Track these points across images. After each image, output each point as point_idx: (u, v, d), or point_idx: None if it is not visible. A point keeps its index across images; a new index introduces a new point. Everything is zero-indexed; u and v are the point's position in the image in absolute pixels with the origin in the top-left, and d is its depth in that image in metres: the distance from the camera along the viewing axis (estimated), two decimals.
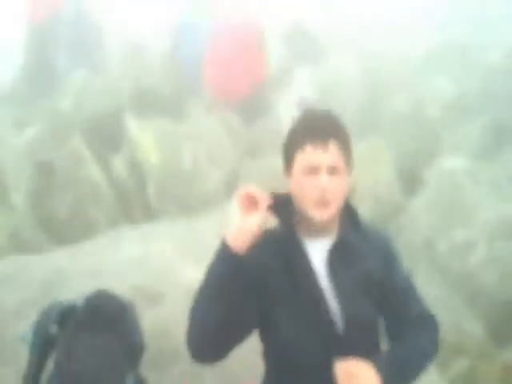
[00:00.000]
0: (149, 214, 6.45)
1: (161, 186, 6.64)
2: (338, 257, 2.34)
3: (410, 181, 7.06)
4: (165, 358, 3.64)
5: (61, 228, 5.98)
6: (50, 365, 2.69)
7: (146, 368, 3.15)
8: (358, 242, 2.39)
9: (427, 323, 2.49)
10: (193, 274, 4.36)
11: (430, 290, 4.32)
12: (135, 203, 6.58)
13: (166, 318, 3.93)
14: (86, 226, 5.81)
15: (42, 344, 2.81)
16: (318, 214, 2.28)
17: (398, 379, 2.30)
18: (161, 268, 4.44)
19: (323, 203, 2.27)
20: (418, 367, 2.42)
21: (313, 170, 2.27)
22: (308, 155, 2.27)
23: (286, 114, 8.38)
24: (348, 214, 2.43)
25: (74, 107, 7.80)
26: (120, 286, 3.83)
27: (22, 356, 2.89)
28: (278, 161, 6.72)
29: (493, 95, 8.46)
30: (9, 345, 3.61)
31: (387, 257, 2.46)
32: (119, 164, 6.75)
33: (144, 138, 6.88)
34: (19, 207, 6.05)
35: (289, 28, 10.14)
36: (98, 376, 2.74)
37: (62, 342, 2.78)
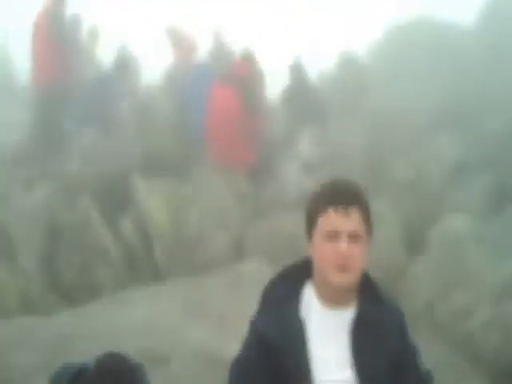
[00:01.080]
0: (156, 275, 6.46)
1: (168, 247, 6.68)
2: (362, 330, 2.34)
3: (413, 243, 7.07)
4: None
5: (69, 290, 5.98)
6: None
7: None
8: (379, 315, 2.39)
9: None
10: (199, 334, 4.42)
11: (433, 354, 4.34)
12: (142, 265, 6.60)
13: (174, 380, 3.93)
14: (94, 288, 5.83)
15: None
16: (338, 279, 2.30)
17: None
18: (168, 330, 4.47)
19: (343, 269, 2.28)
20: None
21: (334, 236, 2.29)
22: (330, 220, 2.31)
23: (290, 175, 8.49)
24: (368, 284, 2.44)
25: (82, 169, 7.88)
26: (127, 348, 3.88)
27: None
28: (284, 222, 6.82)
29: (494, 156, 8.55)
30: None
31: (402, 327, 2.46)
32: (127, 225, 6.81)
33: (151, 199, 6.95)
34: (28, 269, 6.08)
35: (292, 89, 10.25)
36: None
37: None
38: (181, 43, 12.72)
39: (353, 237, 2.29)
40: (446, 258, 6.28)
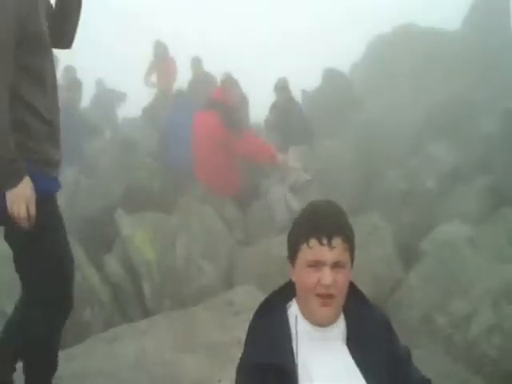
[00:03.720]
0: (145, 311, 6.37)
1: (155, 282, 6.59)
2: (357, 342, 2.38)
3: (408, 254, 7.02)
4: None
5: None
6: None
7: None
8: (367, 319, 2.43)
9: None
10: (191, 367, 4.31)
11: (434, 365, 4.26)
12: (130, 302, 6.51)
13: None
14: (82, 329, 5.73)
15: None
16: (321, 313, 2.33)
17: None
18: (159, 365, 4.37)
19: (326, 303, 2.30)
20: None
21: (317, 264, 2.29)
22: (312, 250, 2.30)
23: (278, 197, 8.42)
24: (352, 291, 2.46)
25: (65, 210, 7.78)
26: None
27: None
28: (273, 246, 6.74)
29: (488, 160, 8.50)
30: None
31: (389, 329, 2.50)
32: (113, 264, 6.72)
33: (137, 235, 6.87)
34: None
35: (278, 108, 10.23)
36: None
37: None
38: (163, 72, 12.77)
39: (336, 264, 2.29)
40: (443, 267, 6.21)
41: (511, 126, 8.08)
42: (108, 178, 9.21)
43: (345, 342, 2.38)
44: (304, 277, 2.32)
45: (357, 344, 2.37)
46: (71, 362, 4.41)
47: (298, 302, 2.44)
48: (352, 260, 2.38)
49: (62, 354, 4.06)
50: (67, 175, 8.32)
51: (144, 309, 6.42)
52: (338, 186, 8.57)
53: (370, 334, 2.40)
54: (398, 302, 6.16)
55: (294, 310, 2.45)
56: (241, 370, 2.44)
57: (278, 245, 6.79)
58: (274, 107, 10.42)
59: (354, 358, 2.35)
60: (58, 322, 3.69)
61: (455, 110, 10.47)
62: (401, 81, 13.05)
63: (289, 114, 9.90)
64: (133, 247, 6.71)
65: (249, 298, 5.32)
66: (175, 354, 4.52)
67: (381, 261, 6.63)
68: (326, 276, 2.26)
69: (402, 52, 13.82)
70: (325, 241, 2.27)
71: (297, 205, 8.18)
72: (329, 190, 8.26)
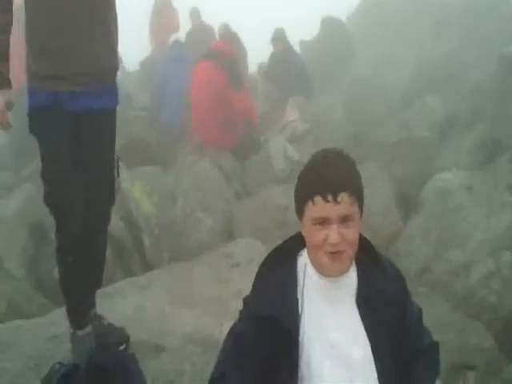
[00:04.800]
0: (145, 265, 6.39)
1: (155, 235, 6.59)
2: (366, 303, 2.33)
3: (407, 204, 7.00)
4: None
5: (57, 290, 5.92)
6: None
7: None
8: (380, 284, 2.37)
9: (434, 354, 2.55)
10: (191, 320, 4.33)
11: (433, 313, 4.27)
12: (130, 255, 6.51)
13: (167, 369, 3.85)
14: None
15: None
16: (330, 268, 2.27)
17: None
18: (157, 319, 4.39)
19: (335, 258, 2.24)
20: None
21: (323, 221, 2.22)
22: (318, 207, 2.22)
23: (277, 148, 8.38)
24: (366, 249, 2.42)
25: None
26: None
27: None
28: (272, 196, 6.72)
29: (481, 109, 8.44)
30: None
31: (402, 290, 2.46)
32: (112, 216, 6.71)
33: (135, 189, 6.85)
34: (13, 272, 6.01)
35: (275, 60, 10.13)
36: None
37: None
38: (165, 22, 12.55)
39: (344, 219, 2.21)
40: (441, 215, 6.20)
41: (504, 72, 7.97)
42: None
43: (354, 297, 2.35)
44: (311, 234, 2.26)
45: (366, 305, 2.33)
46: None
47: (309, 256, 2.37)
48: (361, 212, 2.31)
49: (61, 310, 4.10)
50: None
51: (144, 262, 6.44)
52: (333, 139, 8.49)
53: (381, 297, 2.34)
54: (396, 252, 6.15)
55: (303, 259, 2.40)
56: (240, 318, 2.44)
57: (278, 195, 6.80)
58: (272, 58, 10.32)
59: (362, 319, 2.32)
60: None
61: (448, 63, 10.43)
62: (396, 34, 12.95)
63: (286, 64, 9.79)
64: (132, 200, 6.70)
65: (248, 250, 5.32)
66: (174, 307, 4.54)
67: (378, 211, 6.63)
68: (333, 234, 2.19)
69: (395, 7, 13.80)
70: (330, 197, 2.18)
71: (296, 155, 8.15)
72: (324, 142, 8.20)
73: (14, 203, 7.23)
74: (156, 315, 4.45)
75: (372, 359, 2.29)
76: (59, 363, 3.19)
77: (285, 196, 6.24)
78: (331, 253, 2.22)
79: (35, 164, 8.13)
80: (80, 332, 3.72)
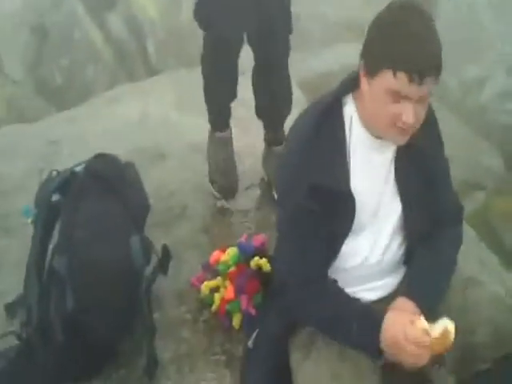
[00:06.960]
0: (149, 70, 6.25)
1: (159, 39, 6.38)
2: (405, 159, 2.19)
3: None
4: (171, 216, 3.57)
5: (59, 93, 5.82)
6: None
7: (153, 226, 3.11)
8: (420, 140, 2.15)
9: (459, 219, 2.43)
10: (194, 128, 4.23)
11: (445, 126, 4.17)
12: (135, 60, 6.36)
13: (169, 176, 3.82)
14: (84, 89, 5.64)
15: (46, 215, 2.76)
16: (395, 139, 2.09)
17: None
18: (162, 125, 4.31)
19: (404, 132, 2.04)
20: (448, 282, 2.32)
21: (400, 96, 1.96)
22: (398, 83, 1.93)
23: None
24: None
25: None
26: (121, 146, 3.75)
27: (26, 228, 2.86)
28: None
29: None
30: (12, 217, 3.55)
31: (437, 137, 2.30)
32: (116, 21, 6.49)
33: None
34: (14, 75, 5.88)
35: None
36: (103, 240, 2.69)
37: (64, 210, 2.72)
38: None
39: (419, 100, 1.98)
40: (459, 29, 5.94)
41: None
42: None
43: (394, 157, 2.20)
44: (381, 105, 2.00)
45: (402, 168, 2.20)
46: (73, 123, 4.37)
47: (359, 105, 2.14)
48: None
49: (63, 116, 4.01)
50: None
51: (148, 68, 6.29)
52: None
53: (418, 156, 2.18)
54: None
55: (349, 109, 2.16)
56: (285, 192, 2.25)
57: None
58: None
59: (396, 182, 2.20)
60: None
61: None
62: None
63: None
64: (136, 3, 6.42)
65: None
66: (179, 114, 4.46)
67: None
68: (410, 114, 1.96)
69: None
70: (416, 78, 1.90)
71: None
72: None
73: (17, 1, 6.94)
74: (160, 122, 4.36)
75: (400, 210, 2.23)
76: (56, 170, 3.10)
77: None
78: (401, 129, 2.02)
79: None
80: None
